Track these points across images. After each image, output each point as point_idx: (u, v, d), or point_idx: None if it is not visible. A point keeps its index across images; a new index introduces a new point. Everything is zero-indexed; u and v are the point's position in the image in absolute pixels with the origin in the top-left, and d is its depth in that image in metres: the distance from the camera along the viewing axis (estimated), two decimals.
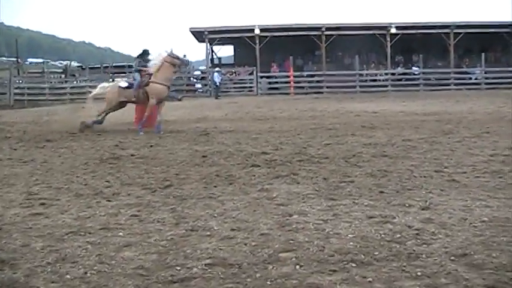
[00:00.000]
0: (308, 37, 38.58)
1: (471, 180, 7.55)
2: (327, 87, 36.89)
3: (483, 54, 37.74)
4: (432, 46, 39.14)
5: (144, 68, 15.48)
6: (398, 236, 5.05)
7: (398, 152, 10.11)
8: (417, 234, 5.10)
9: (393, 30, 38.39)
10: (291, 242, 4.95)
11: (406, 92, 34.99)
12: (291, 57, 37.71)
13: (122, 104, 15.83)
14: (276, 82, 38.92)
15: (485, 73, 38.48)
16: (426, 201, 6.35)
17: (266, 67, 38.50)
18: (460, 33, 38.49)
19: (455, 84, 37.60)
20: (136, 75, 15.47)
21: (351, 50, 39.65)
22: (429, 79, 38.46)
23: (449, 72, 38.65)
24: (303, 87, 37.85)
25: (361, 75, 38.40)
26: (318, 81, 38.06)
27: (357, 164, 8.94)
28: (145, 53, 16.02)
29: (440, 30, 38.86)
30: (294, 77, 37.92)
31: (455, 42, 38.83)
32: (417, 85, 37.59)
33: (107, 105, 15.72)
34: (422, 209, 6.00)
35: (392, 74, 39.04)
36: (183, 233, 5.31)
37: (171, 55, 15.37)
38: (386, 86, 37.56)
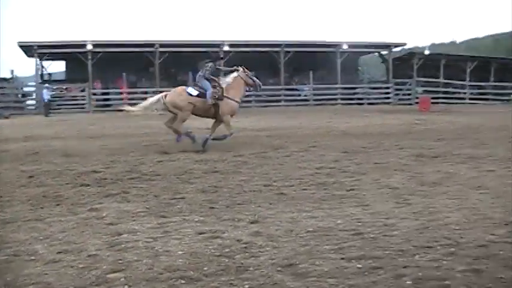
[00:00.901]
0: (142, 54, 38.41)
1: (298, 193, 7.86)
2: None
3: (311, 72, 39.65)
4: (264, 64, 40.39)
5: (215, 78, 13.98)
6: (228, 250, 5.13)
7: (229, 168, 10.28)
8: (246, 247, 5.19)
9: (226, 48, 39.16)
10: (120, 262, 4.85)
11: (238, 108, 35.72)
12: (123, 74, 37.30)
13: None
14: (109, 99, 38.31)
15: (313, 90, 40.47)
16: (255, 214, 6.51)
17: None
18: (290, 51, 40.17)
19: (286, 101, 39.24)
20: (207, 85, 13.66)
21: (185, 67, 39.95)
22: (261, 95, 39.67)
23: (280, 89, 40.17)
24: (136, 104, 37.49)
25: None
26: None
27: (188, 181, 8.97)
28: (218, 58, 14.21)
29: (271, 49, 40.37)
30: (128, 93, 37.53)
31: (285, 61, 40.41)
32: (249, 101, 38.61)
33: (183, 114, 13.76)
34: (251, 223, 6.14)
35: None
36: (5, 259, 5.02)
37: (247, 73, 14.18)
38: None
